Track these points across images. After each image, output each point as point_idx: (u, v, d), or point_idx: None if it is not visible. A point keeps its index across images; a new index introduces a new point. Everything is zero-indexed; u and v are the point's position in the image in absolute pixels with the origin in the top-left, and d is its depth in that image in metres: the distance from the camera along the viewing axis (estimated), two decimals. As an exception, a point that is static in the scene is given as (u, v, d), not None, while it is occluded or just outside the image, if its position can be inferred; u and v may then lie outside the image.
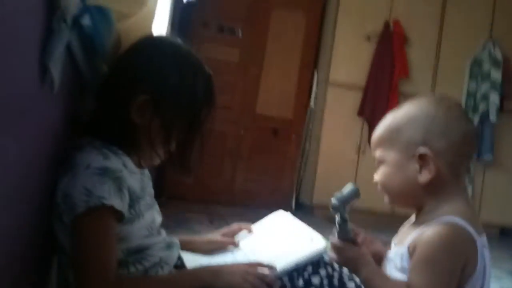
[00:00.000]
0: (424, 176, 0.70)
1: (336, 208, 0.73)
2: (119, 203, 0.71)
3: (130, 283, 0.76)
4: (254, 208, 3.06)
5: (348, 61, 3.29)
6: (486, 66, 3.33)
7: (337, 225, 0.74)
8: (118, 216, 0.72)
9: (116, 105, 0.79)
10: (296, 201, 3.40)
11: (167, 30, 1.93)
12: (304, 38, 3.39)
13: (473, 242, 0.67)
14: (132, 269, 0.77)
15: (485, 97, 3.28)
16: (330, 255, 0.76)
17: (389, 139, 0.74)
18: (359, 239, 0.80)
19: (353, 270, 0.74)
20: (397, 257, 0.73)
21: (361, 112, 3.26)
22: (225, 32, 3.36)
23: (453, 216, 0.67)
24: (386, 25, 3.31)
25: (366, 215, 3.25)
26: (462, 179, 0.75)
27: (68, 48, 0.69)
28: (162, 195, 2.97)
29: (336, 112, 3.27)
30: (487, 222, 3.34)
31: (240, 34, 3.35)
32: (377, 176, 0.77)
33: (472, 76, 3.41)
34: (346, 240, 0.74)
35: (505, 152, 3.42)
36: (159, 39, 0.94)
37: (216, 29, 3.34)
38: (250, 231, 1.04)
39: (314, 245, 0.87)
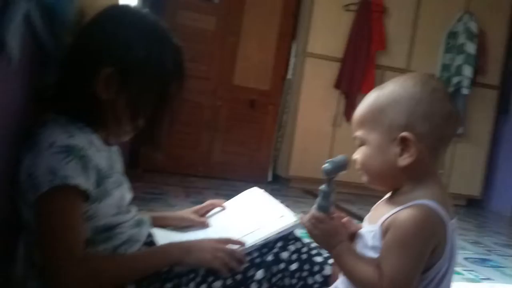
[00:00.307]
0: (405, 160, 0.69)
1: (329, 172, 0.73)
2: (84, 182, 0.70)
3: (98, 261, 0.75)
4: (231, 181, 3.09)
5: (326, 32, 3.26)
6: (461, 38, 3.36)
7: (321, 194, 0.74)
8: (84, 195, 0.71)
9: (80, 79, 0.75)
10: (273, 173, 3.44)
11: (139, -3, 1.85)
12: (283, 6, 3.33)
13: (444, 225, 0.67)
14: (101, 247, 0.77)
15: (459, 70, 3.33)
16: (305, 223, 0.75)
17: (372, 120, 0.73)
18: (340, 218, 0.80)
19: (326, 244, 0.74)
20: (369, 235, 0.74)
21: (338, 85, 3.26)
22: (203, -2, 3.26)
23: (427, 200, 0.68)
24: (366, -6, 3.27)
25: (341, 186, 3.33)
26: (440, 161, 0.75)
27: (27, 19, 0.65)
28: (138, 167, 2.95)
29: (314, 84, 3.26)
30: (455, 193, 3.50)
31: (217, 0, 3.25)
32: (357, 156, 0.76)
33: (447, 49, 3.44)
34: (326, 211, 0.74)
35: (476, 125, 3.52)
36: (125, 9, 0.89)
37: (191, -5, 3.23)
38: (223, 208, 1.05)
39: (284, 221, 0.88)
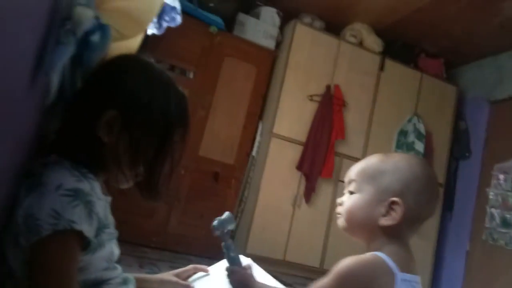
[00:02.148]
0: (387, 221, 0.77)
1: (216, 228, 0.91)
2: (88, 229, 0.66)
3: None
4: (185, 254, 2.94)
5: (291, 116, 3.45)
6: (411, 137, 3.69)
7: (224, 250, 0.91)
8: (84, 243, 0.66)
9: (84, 121, 0.74)
10: (228, 249, 3.32)
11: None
12: (253, 88, 3.51)
13: (391, 274, 0.72)
14: None
15: (409, 166, 3.59)
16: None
17: (372, 176, 0.81)
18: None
19: None
20: None
21: (299, 167, 3.38)
22: (176, 72, 3.38)
23: (380, 252, 0.75)
24: (328, 88, 3.56)
25: (296, 269, 3.27)
26: (412, 234, 0.83)
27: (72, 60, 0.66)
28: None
29: (277, 163, 3.35)
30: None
31: (191, 76, 3.38)
32: (344, 200, 0.83)
33: (398, 145, 3.74)
34: (234, 264, 0.90)
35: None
36: (132, 56, 0.90)
37: (167, 67, 3.35)
38: (206, 273, 1.00)
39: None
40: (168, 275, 0.98)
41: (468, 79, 4.10)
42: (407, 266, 0.75)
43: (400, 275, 0.72)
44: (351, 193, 0.83)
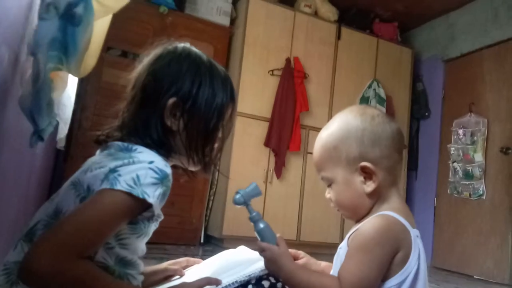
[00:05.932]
0: (370, 186, 0.74)
1: (241, 203, 0.81)
2: (156, 208, 0.67)
3: (92, 269, 0.62)
4: (161, 244, 2.86)
5: (254, 93, 3.40)
6: (373, 102, 3.74)
7: (252, 222, 0.80)
8: (149, 217, 0.69)
9: (150, 112, 0.77)
10: (205, 234, 3.27)
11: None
12: (212, 68, 3.42)
13: (406, 231, 0.71)
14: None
15: (373, 131, 3.65)
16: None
17: (330, 158, 0.78)
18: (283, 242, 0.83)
19: (274, 268, 0.76)
20: (341, 251, 0.76)
21: (267, 143, 3.35)
22: (129, 58, 3.22)
23: (388, 211, 0.72)
24: (288, 61, 3.53)
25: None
26: (398, 177, 0.80)
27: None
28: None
29: (244, 142, 3.31)
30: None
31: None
32: (330, 195, 0.80)
33: (361, 111, 3.79)
34: (264, 235, 0.79)
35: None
36: (182, 48, 0.91)
37: (119, 54, 3.19)
38: (197, 264, 0.97)
39: (260, 264, 0.83)
40: (160, 266, 0.96)
41: (422, 40, 4.20)
42: (411, 220, 0.73)
43: (413, 232, 0.71)
44: (329, 186, 0.80)
